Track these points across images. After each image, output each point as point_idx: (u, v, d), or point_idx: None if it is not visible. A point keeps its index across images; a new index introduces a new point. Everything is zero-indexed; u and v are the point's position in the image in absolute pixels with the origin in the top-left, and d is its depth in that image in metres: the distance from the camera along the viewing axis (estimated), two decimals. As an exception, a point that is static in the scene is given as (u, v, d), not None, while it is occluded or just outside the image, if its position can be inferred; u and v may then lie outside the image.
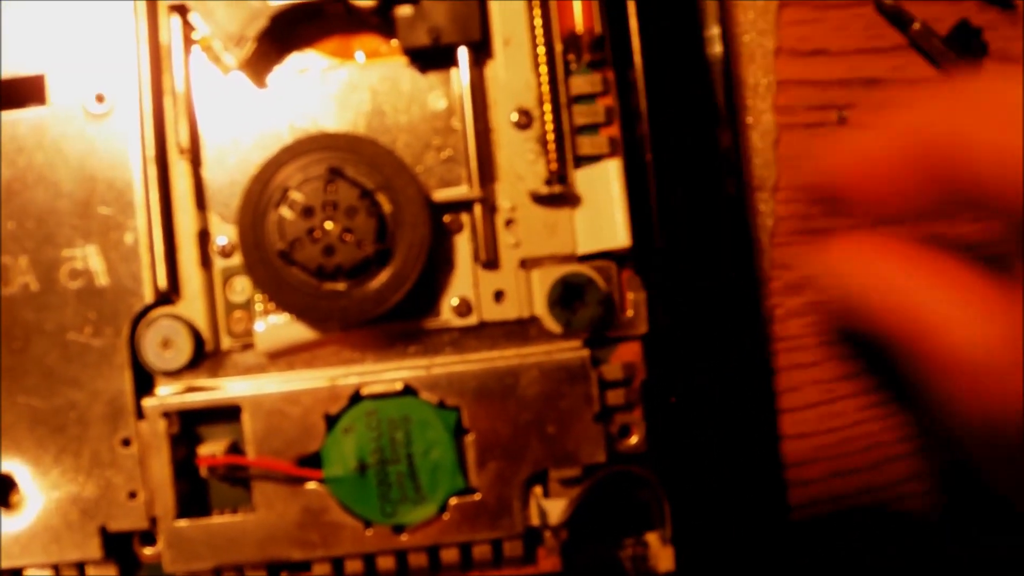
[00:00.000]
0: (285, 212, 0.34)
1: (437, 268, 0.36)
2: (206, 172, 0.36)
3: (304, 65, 0.37)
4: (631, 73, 0.36)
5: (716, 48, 0.37)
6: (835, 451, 0.40)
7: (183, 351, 0.35)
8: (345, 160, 0.34)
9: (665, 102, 0.36)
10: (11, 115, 0.36)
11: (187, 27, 0.36)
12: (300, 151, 0.34)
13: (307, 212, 0.34)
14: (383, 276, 0.34)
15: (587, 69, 0.37)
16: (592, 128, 0.37)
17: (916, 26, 0.41)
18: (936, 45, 0.41)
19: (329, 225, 0.34)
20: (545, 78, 0.36)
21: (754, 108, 0.40)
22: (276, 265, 0.34)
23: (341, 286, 0.34)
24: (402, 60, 0.37)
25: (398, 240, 0.34)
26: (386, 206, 0.34)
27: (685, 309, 0.36)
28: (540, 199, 0.36)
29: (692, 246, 0.37)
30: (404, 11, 0.36)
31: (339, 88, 0.37)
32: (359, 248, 0.34)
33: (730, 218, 0.38)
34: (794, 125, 0.41)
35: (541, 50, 0.36)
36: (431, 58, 0.37)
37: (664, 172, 0.36)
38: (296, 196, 0.34)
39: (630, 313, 0.37)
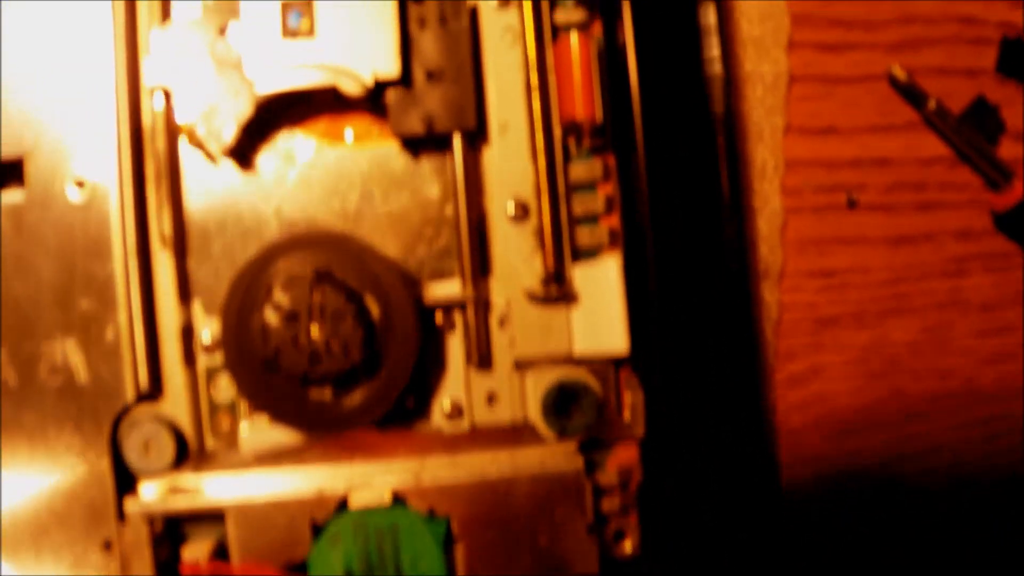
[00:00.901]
0: (269, 318, 0.32)
1: (428, 369, 0.35)
2: (191, 259, 0.35)
3: (292, 148, 0.36)
4: (634, 157, 0.35)
5: (722, 129, 0.36)
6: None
7: (166, 453, 0.34)
8: (332, 260, 0.33)
9: (669, 185, 0.35)
10: (-11, 200, 0.34)
11: (170, 111, 0.34)
12: (284, 250, 0.33)
13: (292, 317, 0.32)
14: (371, 385, 0.33)
15: (588, 155, 0.35)
16: (591, 219, 0.35)
17: (931, 105, 0.39)
18: (951, 124, 0.39)
19: (315, 330, 0.32)
20: (543, 168, 0.35)
21: (761, 191, 0.39)
22: (260, 371, 0.33)
23: (327, 394, 0.33)
24: (394, 144, 0.35)
25: (387, 344, 0.33)
26: (374, 310, 0.33)
27: (685, 403, 0.35)
28: (536, 298, 0.35)
29: (693, 336, 0.35)
30: (396, 96, 0.34)
31: (328, 173, 0.35)
32: (346, 356, 0.32)
33: (734, 308, 0.36)
34: (802, 208, 0.39)
35: (539, 138, 0.35)
36: (424, 142, 0.35)
37: (666, 260, 0.35)
38: (281, 300, 0.32)
39: (627, 415, 0.35)
